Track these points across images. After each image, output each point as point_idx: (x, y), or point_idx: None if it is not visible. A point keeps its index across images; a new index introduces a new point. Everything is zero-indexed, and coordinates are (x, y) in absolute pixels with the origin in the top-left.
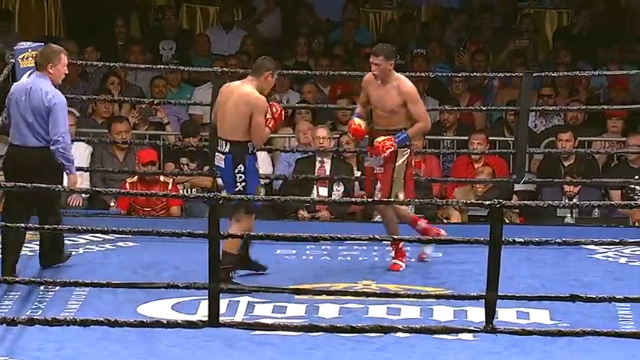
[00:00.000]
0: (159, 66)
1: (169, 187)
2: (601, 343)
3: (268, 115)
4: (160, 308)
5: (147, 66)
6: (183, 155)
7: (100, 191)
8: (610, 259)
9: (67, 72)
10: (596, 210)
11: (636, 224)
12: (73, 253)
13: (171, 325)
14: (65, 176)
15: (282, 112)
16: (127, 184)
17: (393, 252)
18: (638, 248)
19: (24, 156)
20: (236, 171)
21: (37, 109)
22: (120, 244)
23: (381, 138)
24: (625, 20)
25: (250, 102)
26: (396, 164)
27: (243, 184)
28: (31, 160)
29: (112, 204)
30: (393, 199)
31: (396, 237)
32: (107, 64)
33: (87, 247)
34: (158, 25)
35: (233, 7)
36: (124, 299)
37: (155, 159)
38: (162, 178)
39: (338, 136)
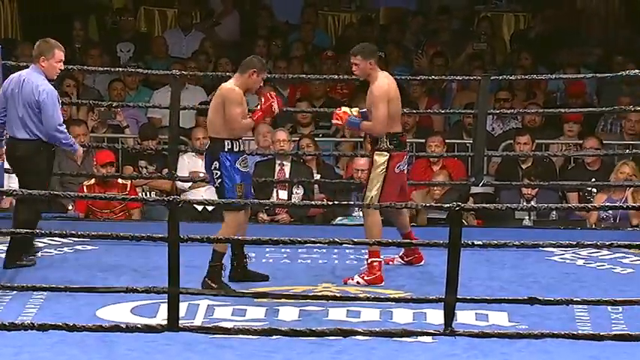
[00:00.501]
0: (117, 69)
1: (127, 189)
2: (559, 344)
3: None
4: (119, 312)
5: (105, 69)
6: (142, 158)
7: (59, 194)
8: (567, 261)
9: (61, 67)
10: (554, 212)
11: (593, 226)
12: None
13: (130, 329)
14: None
15: (272, 105)
16: (85, 187)
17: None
18: (594, 250)
19: (16, 148)
20: (212, 168)
21: (28, 102)
22: (78, 247)
23: (343, 109)
24: (581, 23)
25: (222, 93)
26: (373, 166)
27: (219, 180)
28: (21, 153)
29: (70, 207)
30: (361, 203)
31: (356, 240)
32: (65, 66)
33: (45, 250)
34: (116, 27)
35: (191, 10)
36: (82, 303)
37: (113, 159)
38: (120, 180)
39: (298, 139)
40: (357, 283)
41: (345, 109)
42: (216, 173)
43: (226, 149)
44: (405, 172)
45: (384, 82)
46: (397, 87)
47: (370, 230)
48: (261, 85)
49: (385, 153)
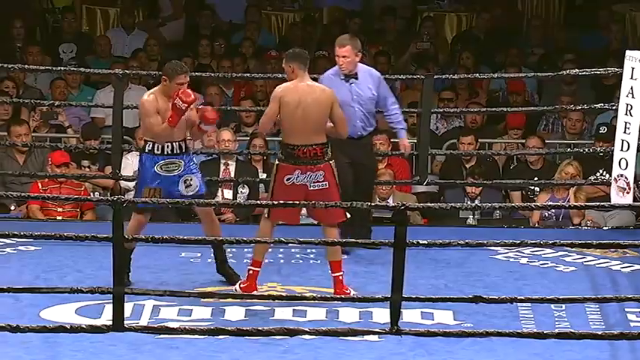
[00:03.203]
0: (59, 68)
1: (82, 187)
2: (503, 342)
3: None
4: (63, 313)
5: (47, 68)
6: (85, 158)
7: (0, 195)
8: (511, 259)
9: (341, 62)
10: (498, 211)
11: (536, 225)
12: None
13: (75, 329)
14: None
15: (175, 103)
16: (40, 184)
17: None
18: (538, 249)
19: None
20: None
21: None
22: (21, 247)
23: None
24: (522, 25)
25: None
26: None
27: (136, 180)
28: None
29: (12, 208)
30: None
31: (301, 240)
32: (7, 65)
33: None
34: (58, 27)
35: (134, 9)
36: (25, 304)
37: (68, 161)
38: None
39: (247, 138)
40: (235, 290)
41: None
42: (138, 172)
43: (147, 150)
44: (311, 186)
45: (281, 86)
46: (318, 100)
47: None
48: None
49: (277, 161)
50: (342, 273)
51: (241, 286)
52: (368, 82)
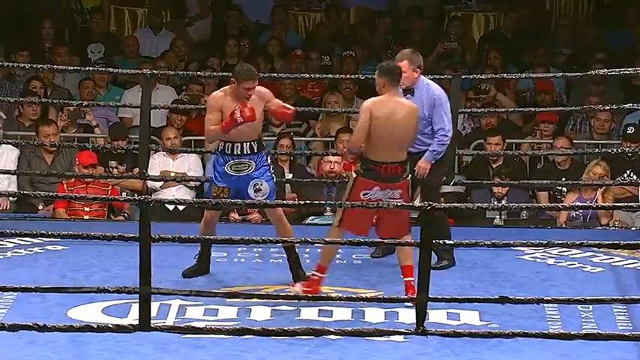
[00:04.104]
0: (87, 68)
1: (109, 187)
2: (529, 343)
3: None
4: (90, 312)
5: (75, 68)
6: (112, 158)
7: (29, 194)
8: (538, 260)
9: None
10: (524, 212)
11: (563, 225)
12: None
13: (102, 329)
14: None
15: (234, 113)
16: (65, 185)
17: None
18: (565, 249)
19: None
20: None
21: None
22: (49, 247)
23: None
24: (550, 24)
25: None
26: None
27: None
28: None
29: (40, 207)
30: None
31: (327, 239)
32: (35, 66)
33: (15, 250)
34: (86, 27)
35: (161, 9)
36: (53, 303)
37: (96, 161)
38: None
39: (274, 138)
40: (294, 291)
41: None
42: (212, 168)
43: (219, 149)
44: (388, 204)
45: (371, 100)
46: (406, 118)
47: (325, 248)
48: (249, 93)
49: (354, 174)
50: (413, 279)
51: (304, 289)
52: (421, 102)
